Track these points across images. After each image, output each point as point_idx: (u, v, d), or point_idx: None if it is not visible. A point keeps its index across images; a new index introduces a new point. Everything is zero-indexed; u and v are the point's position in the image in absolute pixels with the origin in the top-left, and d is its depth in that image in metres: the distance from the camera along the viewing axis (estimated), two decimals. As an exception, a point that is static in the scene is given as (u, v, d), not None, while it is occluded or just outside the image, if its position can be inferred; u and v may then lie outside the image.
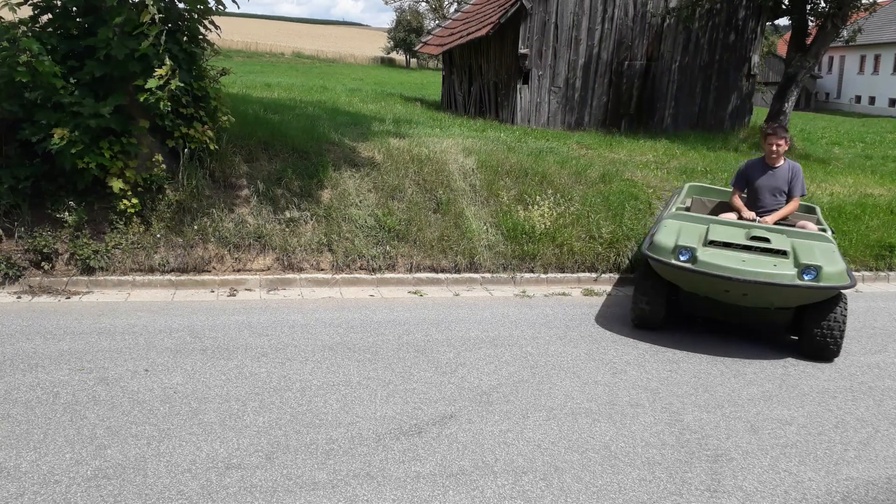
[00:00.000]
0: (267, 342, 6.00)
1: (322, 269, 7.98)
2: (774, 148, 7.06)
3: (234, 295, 7.37)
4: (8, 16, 7.27)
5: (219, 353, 5.69)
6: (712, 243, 6.22)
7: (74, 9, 7.45)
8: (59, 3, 7.44)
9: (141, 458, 4.08)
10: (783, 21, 19.05)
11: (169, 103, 7.21)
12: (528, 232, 8.72)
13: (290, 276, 7.78)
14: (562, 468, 4.24)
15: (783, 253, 6.04)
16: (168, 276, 7.48)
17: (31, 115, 7.11)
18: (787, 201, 7.16)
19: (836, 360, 6.38)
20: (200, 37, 8.01)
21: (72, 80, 7.13)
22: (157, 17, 6.89)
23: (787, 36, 19.29)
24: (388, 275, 8.05)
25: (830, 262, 5.96)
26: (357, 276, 7.96)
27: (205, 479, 3.92)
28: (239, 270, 7.77)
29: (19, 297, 6.88)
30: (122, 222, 7.53)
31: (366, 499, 3.82)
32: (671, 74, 16.69)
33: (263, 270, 7.83)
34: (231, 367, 5.45)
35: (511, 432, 4.64)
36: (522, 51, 15.47)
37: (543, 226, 8.83)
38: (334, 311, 6.96)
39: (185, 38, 7.79)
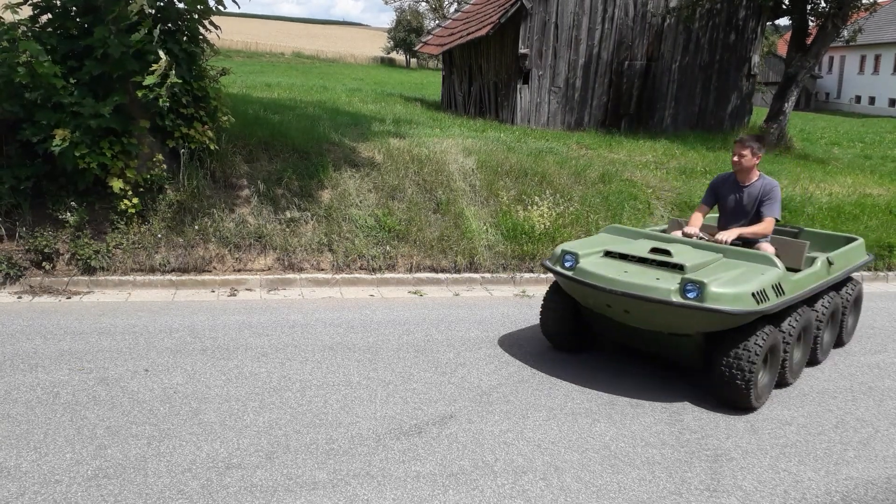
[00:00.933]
0: (267, 342, 6.01)
1: (322, 269, 7.99)
2: (736, 159, 5.88)
3: (235, 295, 7.38)
4: (8, 15, 7.29)
5: (219, 353, 5.70)
6: (609, 254, 5.53)
7: (74, 9, 7.46)
8: (58, 3, 7.45)
9: (141, 458, 4.08)
10: (783, 21, 19.08)
11: (168, 101, 7.21)
12: (528, 232, 8.73)
13: (291, 276, 7.78)
14: (562, 468, 4.24)
15: (679, 268, 5.11)
16: (168, 276, 7.48)
17: (31, 116, 7.12)
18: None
19: (836, 359, 6.38)
20: (200, 37, 8.02)
21: (71, 81, 7.13)
22: (145, 7, 6.88)
23: (787, 36, 19.30)
24: (388, 275, 8.05)
25: (733, 282, 4.93)
26: (357, 276, 7.97)
27: (205, 478, 3.92)
28: (239, 270, 7.78)
29: (20, 297, 6.88)
30: (122, 222, 7.54)
31: (366, 499, 3.82)
32: (671, 74, 16.69)
33: (264, 270, 7.84)
34: (231, 367, 5.46)
35: (511, 432, 4.64)
36: (522, 51, 15.47)
37: (543, 226, 8.83)
38: (334, 311, 6.97)
39: (184, 38, 7.80)
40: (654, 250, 5.40)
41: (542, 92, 15.93)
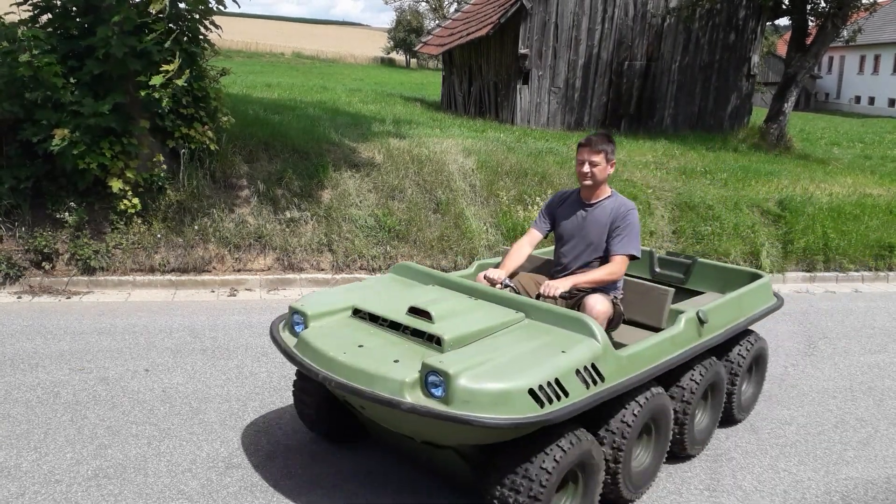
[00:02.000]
0: (267, 342, 6.00)
1: (322, 270, 8.00)
2: (586, 169, 4.15)
3: (235, 295, 7.38)
4: (6, 11, 7.30)
5: (219, 353, 5.70)
6: (358, 313, 3.79)
7: (74, 9, 7.46)
8: (58, 2, 7.45)
9: (141, 458, 4.08)
10: (783, 21, 19.10)
11: (170, 102, 7.22)
12: (528, 232, 8.73)
13: (291, 276, 7.78)
14: (561, 468, 4.24)
15: (437, 342, 3.35)
16: (168, 277, 7.48)
17: (31, 116, 7.12)
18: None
19: (836, 359, 6.38)
20: (201, 37, 8.02)
21: (72, 80, 7.14)
22: (167, 9, 6.92)
23: (787, 36, 19.29)
24: (388, 275, 8.05)
25: (504, 371, 3.15)
26: (357, 276, 7.97)
27: (205, 478, 3.92)
28: (239, 270, 7.78)
29: (20, 297, 6.89)
30: (122, 222, 7.54)
31: (366, 498, 3.82)
32: (671, 74, 16.70)
33: (264, 270, 7.84)
34: (231, 367, 5.46)
35: (511, 432, 4.64)
36: (522, 51, 15.47)
37: (543, 226, 8.83)
38: (334, 311, 6.96)
39: (185, 38, 7.80)
40: (413, 311, 3.60)
41: (541, 92, 15.93)
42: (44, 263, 7.21)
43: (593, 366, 3.38)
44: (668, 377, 4.11)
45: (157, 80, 6.95)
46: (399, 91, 24.51)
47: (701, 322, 4.18)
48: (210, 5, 7.83)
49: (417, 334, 3.48)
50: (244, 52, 51.38)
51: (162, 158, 7.79)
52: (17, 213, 7.32)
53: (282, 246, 7.97)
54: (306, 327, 3.75)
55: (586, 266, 4.25)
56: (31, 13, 7.52)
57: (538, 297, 4.03)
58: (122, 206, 7.46)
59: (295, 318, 3.84)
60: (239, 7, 8.39)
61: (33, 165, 7.38)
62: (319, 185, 8.67)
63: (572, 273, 4.24)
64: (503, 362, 3.24)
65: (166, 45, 7.08)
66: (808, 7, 16.02)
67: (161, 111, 7.50)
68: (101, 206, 7.60)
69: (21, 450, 4.11)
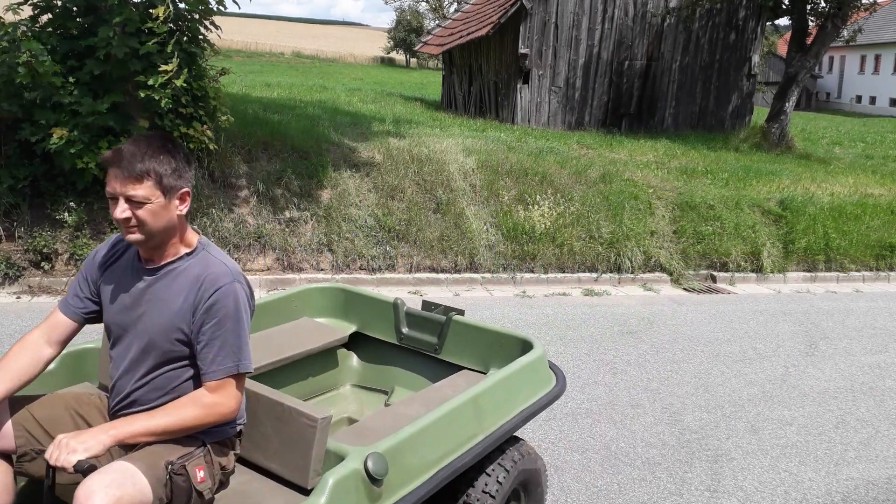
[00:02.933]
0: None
1: (322, 269, 7.98)
2: (123, 213, 2.09)
3: (234, 295, 7.35)
4: (9, 16, 7.28)
5: (218, 354, 5.67)
6: None
7: (74, 9, 7.45)
8: (58, 3, 7.44)
9: (140, 459, 4.06)
10: (783, 21, 19.08)
11: (170, 102, 7.21)
12: (528, 232, 8.72)
13: (290, 276, 7.77)
14: (562, 468, 4.22)
15: None
16: (168, 276, 7.46)
17: (30, 115, 7.11)
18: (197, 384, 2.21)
19: (836, 359, 6.38)
20: (201, 37, 8.01)
21: (71, 80, 7.13)
22: (171, 14, 6.91)
23: (788, 36, 19.28)
24: (388, 275, 8.04)
25: None
26: (357, 276, 7.96)
27: (204, 479, 3.90)
28: (239, 270, 7.76)
29: (19, 298, 6.87)
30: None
31: None
32: (671, 74, 16.69)
33: (263, 270, 7.83)
34: (230, 367, 5.43)
35: (511, 432, 4.62)
36: (522, 51, 15.46)
37: (543, 226, 8.82)
38: (334, 311, 6.95)
39: (185, 39, 7.79)
40: None
41: (542, 92, 15.92)
42: (43, 263, 7.19)
43: None
44: None
45: (159, 80, 6.94)
46: (399, 90, 24.49)
47: (373, 480, 2.21)
48: (210, 6, 7.82)
49: None
50: (244, 52, 51.36)
51: (161, 158, 7.76)
52: (16, 213, 7.31)
53: (281, 246, 7.95)
54: None
55: (148, 385, 2.23)
56: (32, 13, 7.51)
57: (49, 469, 2.03)
58: (122, 206, 7.43)
59: None
60: (239, 7, 8.38)
61: (31, 165, 7.37)
62: (319, 184, 8.65)
63: (128, 398, 2.24)
64: None
65: (168, 49, 7.08)
66: (808, 7, 16.01)
67: (160, 111, 7.49)
68: (101, 206, 7.58)
69: (19, 450, 4.09)
